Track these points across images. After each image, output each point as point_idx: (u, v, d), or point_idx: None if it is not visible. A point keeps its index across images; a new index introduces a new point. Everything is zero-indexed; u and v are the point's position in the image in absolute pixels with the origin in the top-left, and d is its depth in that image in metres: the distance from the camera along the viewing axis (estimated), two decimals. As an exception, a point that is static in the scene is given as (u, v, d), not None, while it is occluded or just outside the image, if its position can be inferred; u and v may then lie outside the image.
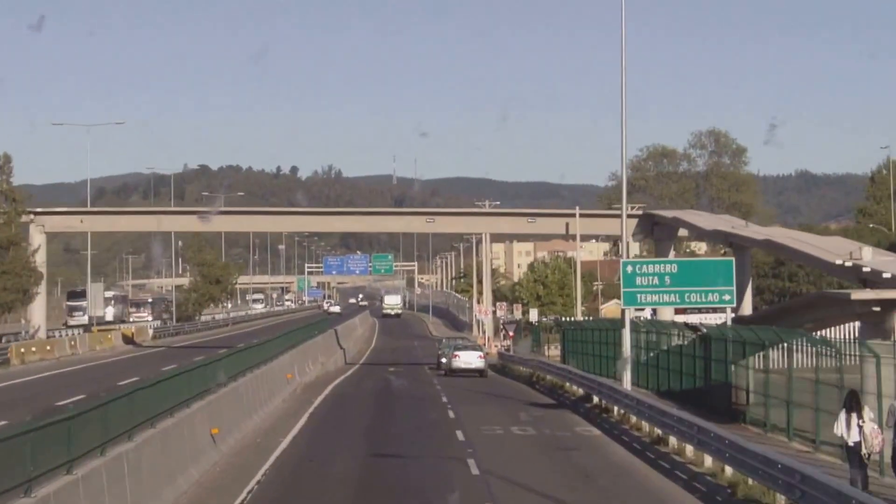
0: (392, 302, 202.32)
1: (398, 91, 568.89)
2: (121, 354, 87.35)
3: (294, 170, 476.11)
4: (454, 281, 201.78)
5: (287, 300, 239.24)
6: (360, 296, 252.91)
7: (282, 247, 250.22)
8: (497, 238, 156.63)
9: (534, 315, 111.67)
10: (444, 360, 79.54)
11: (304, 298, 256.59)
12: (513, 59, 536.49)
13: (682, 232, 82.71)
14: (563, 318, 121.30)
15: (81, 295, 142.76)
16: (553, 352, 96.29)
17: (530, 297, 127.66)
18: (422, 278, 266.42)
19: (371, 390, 62.58)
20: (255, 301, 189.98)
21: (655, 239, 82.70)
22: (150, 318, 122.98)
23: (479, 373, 75.78)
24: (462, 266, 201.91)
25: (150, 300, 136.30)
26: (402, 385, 67.01)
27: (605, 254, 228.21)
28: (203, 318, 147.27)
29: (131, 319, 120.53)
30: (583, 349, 73.18)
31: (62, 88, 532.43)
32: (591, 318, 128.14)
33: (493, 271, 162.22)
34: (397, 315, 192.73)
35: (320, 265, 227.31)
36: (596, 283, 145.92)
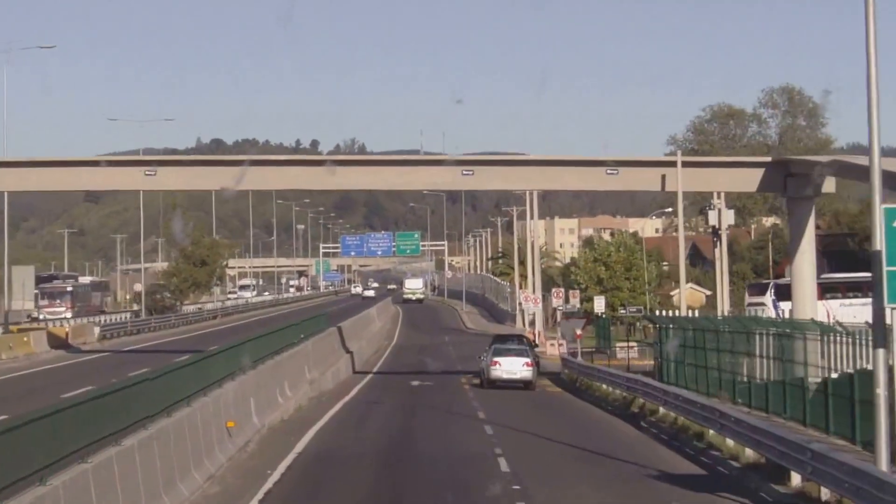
0: (413, 286, 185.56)
1: (426, 60, 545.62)
2: (27, 367, 62.96)
3: (315, 144, 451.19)
4: (490, 262, 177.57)
5: (291, 286, 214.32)
6: (371, 280, 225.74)
7: (301, 226, 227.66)
8: (541, 212, 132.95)
9: (600, 304, 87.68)
10: (482, 365, 60.80)
11: (320, 283, 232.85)
12: (549, 25, 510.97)
13: (829, 187, 58.48)
14: (653, 311, 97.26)
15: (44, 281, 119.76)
16: (623, 354, 72.80)
17: (589, 280, 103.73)
18: (452, 260, 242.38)
19: (377, 441, 38.34)
20: (242, 287, 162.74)
21: (788, 196, 58.60)
22: (67, 315, 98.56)
23: (524, 384, 58.71)
24: (500, 244, 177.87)
25: (69, 288, 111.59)
26: (429, 424, 42.99)
27: (657, 230, 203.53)
28: (191, 309, 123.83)
29: (41, 316, 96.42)
30: (704, 360, 49.24)
31: (67, 57, 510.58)
32: (663, 309, 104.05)
33: (540, 249, 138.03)
34: (419, 300, 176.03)
35: (338, 245, 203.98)
36: (665, 263, 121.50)
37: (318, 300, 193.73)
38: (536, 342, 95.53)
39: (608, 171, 57.07)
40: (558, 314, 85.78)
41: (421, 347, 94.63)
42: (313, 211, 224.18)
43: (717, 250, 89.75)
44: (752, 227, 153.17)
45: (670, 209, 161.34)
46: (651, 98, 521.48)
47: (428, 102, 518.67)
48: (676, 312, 77.89)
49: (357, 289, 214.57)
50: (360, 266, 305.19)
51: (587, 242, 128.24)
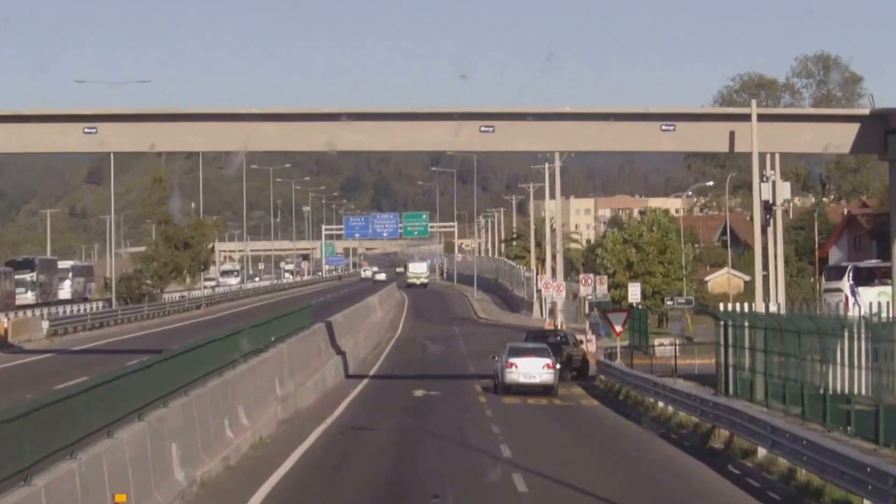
0: (417, 270, 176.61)
1: (435, 38, 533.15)
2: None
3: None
4: (503, 244, 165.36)
5: (287, 271, 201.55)
6: (374, 269, 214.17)
7: (306, 208, 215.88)
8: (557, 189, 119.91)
9: (634, 292, 75.56)
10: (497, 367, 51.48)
11: (323, 267, 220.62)
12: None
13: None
14: (699, 300, 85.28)
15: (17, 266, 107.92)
16: (663, 352, 61.10)
17: (618, 264, 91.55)
18: (462, 243, 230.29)
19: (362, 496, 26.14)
20: (225, 273, 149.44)
21: (890, 159, 46.48)
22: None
23: (544, 389, 49.90)
24: (514, 225, 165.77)
25: (28, 276, 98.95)
26: (433, 469, 30.64)
27: (677, 211, 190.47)
28: (175, 297, 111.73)
29: None
30: (797, 372, 37.11)
31: (65, 39, 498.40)
32: (692, 297, 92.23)
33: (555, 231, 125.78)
34: (423, 285, 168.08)
35: (341, 227, 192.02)
36: (697, 244, 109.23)
37: (319, 286, 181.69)
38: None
39: (663, 127, 44.88)
40: (585, 304, 73.74)
41: (428, 341, 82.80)
42: (317, 191, 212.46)
43: (770, 230, 77.85)
44: (789, 205, 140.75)
45: (688, 193, 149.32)
46: (675, 69, 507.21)
47: (437, 79, 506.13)
48: (728, 304, 65.86)
49: (367, 272, 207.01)
50: (367, 249, 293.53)
51: (614, 221, 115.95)
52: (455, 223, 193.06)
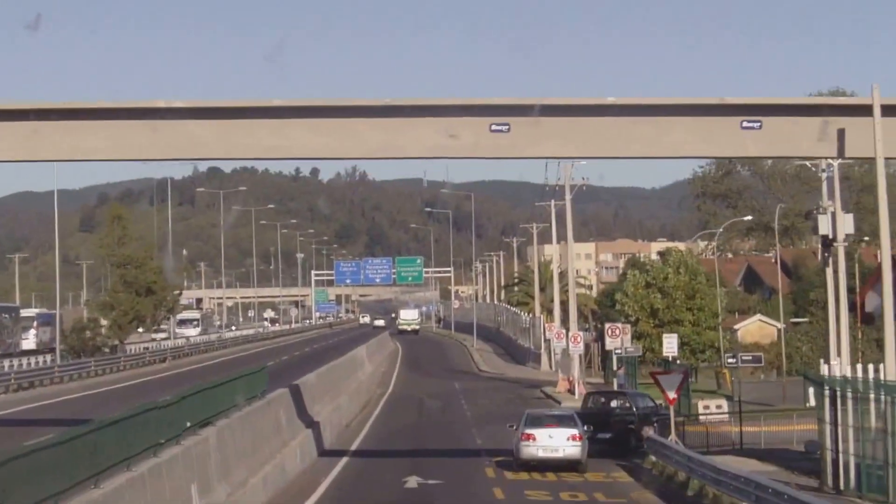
0: (408, 317, 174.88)
1: (426, 87, 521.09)
2: None
3: (315, 172, 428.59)
4: (504, 290, 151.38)
5: (265, 319, 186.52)
6: (363, 314, 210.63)
7: (300, 255, 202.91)
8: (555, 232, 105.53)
9: (670, 345, 61.79)
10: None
11: (313, 314, 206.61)
12: (541, 48, 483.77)
13: None
14: (725, 350, 71.95)
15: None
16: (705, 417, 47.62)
17: (641, 311, 77.93)
18: (458, 290, 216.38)
19: None
20: (182, 323, 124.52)
21: None
22: None
23: (570, 465, 39.93)
24: (515, 269, 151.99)
25: None
26: None
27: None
28: (140, 347, 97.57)
29: None
30: None
31: (61, 86, 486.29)
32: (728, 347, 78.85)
33: (563, 275, 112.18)
34: (414, 331, 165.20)
35: (331, 273, 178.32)
36: (724, 288, 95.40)
37: (307, 334, 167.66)
38: (573, 391, 69.96)
39: (744, 124, 31.36)
40: (613, 358, 60.03)
41: (424, 401, 69.12)
42: (306, 234, 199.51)
43: (828, 269, 64.35)
44: (807, 246, 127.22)
45: (695, 237, 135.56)
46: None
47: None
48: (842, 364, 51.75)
49: (365, 318, 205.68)
50: (360, 296, 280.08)
51: (632, 263, 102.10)
52: (451, 268, 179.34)
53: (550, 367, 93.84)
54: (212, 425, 28.74)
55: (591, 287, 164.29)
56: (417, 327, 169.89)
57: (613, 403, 45.83)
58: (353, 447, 47.74)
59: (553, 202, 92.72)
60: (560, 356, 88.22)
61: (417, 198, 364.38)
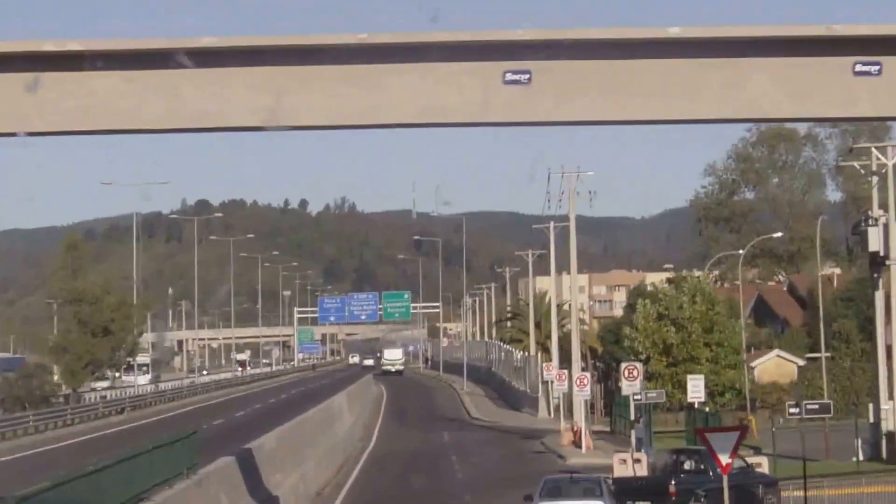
0: (392, 357, 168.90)
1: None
2: None
3: (304, 204, 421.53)
4: (495, 326, 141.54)
5: (241, 360, 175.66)
6: (355, 357, 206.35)
7: (287, 292, 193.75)
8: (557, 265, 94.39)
9: (696, 388, 52.09)
10: None
11: (296, 356, 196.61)
12: None
13: None
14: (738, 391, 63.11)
15: None
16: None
17: (653, 348, 68.29)
18: (447, 327, 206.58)
19: None
20: (131, 369, 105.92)
21: None
22: None
23: None
24: (508, 303, 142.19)
25: None
26: None
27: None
28: (107, 394, 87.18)
29: None
30: None
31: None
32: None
33: (560, 308, 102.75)
34: (399, 372, 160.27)
35: (315, 310, 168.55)
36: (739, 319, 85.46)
37: (287, 377, 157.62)
38: (580, 443, 60.25)
39: (858, 67, 21.42)
40: (631, 404, 50.35)
41: (408, 460, 59.29)
42: (287, 269, 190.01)
43: (878, 293, 55.09)
44: (826, 274, 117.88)
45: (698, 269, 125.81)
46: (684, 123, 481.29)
47: (419, 161, 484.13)
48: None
49: (355, 359, 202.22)
50: (346, 335, 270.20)
51: (639, 293, 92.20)
52: (440, 304, 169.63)
53: (549, 413, 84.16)
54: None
55: (586, 322, 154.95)
56: (402, 368, 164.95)
57: (687, 465, 35.64)
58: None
59: (552, 224, 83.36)
60: (559, 400, 78.83)
61: (406, 230, 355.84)
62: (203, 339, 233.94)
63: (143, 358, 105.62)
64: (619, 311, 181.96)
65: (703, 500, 32.01)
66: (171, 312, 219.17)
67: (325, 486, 48.69)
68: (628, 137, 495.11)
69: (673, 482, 35.06)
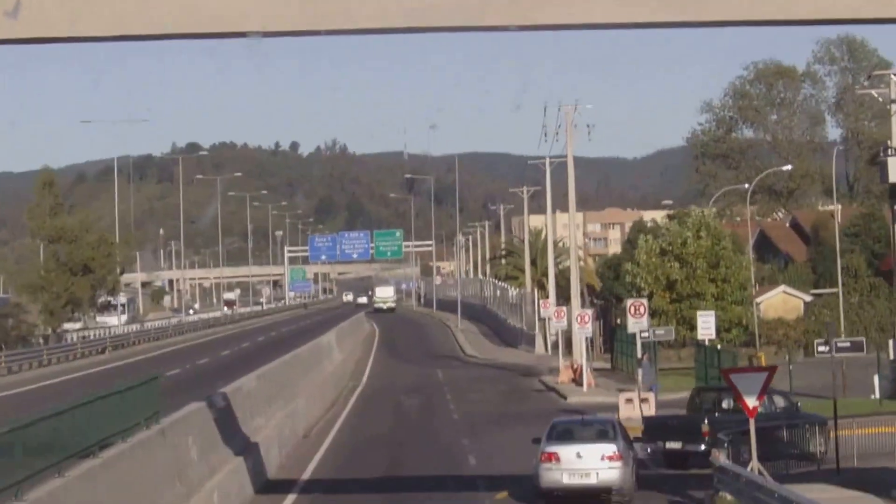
0: (384, 294, 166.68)
1: (408, 57, 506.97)
2: None
3: (294, 146, 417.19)
4: (490, 264, 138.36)
5: (228, 299, 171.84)
6: (349, 295, 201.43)
7: (279, 233, 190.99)
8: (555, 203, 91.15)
9: (707, 325, 49.02)
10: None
11: (287, 294, 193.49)
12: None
13: None
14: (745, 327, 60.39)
15: None
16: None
17: (655, 284, 65.16)
18: (440, 266, 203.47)
19: None
20: (104, 309, 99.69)
21: None
22: None
23: (603, 493, 28.37)
24: (503, 240, 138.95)
25: None
26: None
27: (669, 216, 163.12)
28: (80, 332, 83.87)
29: None
30: None
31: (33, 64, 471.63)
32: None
33: (556, 245, 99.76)
34: (391, 309, 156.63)
35: (305, 248, 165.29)
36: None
37: (279, 316, 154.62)
38: (581, 381, 57.35)
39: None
40: (637, 342, 47.20)
41: (401, 398, 56.37)
42: (277, 208, 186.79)
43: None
44: (830, 209, 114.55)
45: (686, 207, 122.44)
46: (680, 59, 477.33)
47: (411, 102, 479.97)
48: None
49: (349, 297, 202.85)
50: (339, 274, 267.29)
51: (638, 228, 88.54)
52: (433, 242, 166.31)
53: (546, 350, 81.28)
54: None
55: (582, 259, 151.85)
56: (393, 305, 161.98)
57: (725, 404, 32.69)
58: (306, 474, 35.02)
59: (548, 159, 80.00)
60: (556, 337, 75.87)
61: (398, 171, 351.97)
62: (194, 279, 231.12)
63: (120, 298, 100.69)
64: (613, 249, 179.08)
65: (726, 445, 28.87)
66: (162, 253, 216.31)
67: (313, 425, 45.85)
68: (621, 75, 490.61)
69: (706, 421, 32.13)
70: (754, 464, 28.00)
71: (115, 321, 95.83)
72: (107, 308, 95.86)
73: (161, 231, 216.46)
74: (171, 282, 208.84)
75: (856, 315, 76.64)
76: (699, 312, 51.51)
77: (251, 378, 37.37)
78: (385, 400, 55.66)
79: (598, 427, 29.86)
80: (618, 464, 28.16)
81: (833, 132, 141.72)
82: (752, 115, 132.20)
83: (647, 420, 35.10)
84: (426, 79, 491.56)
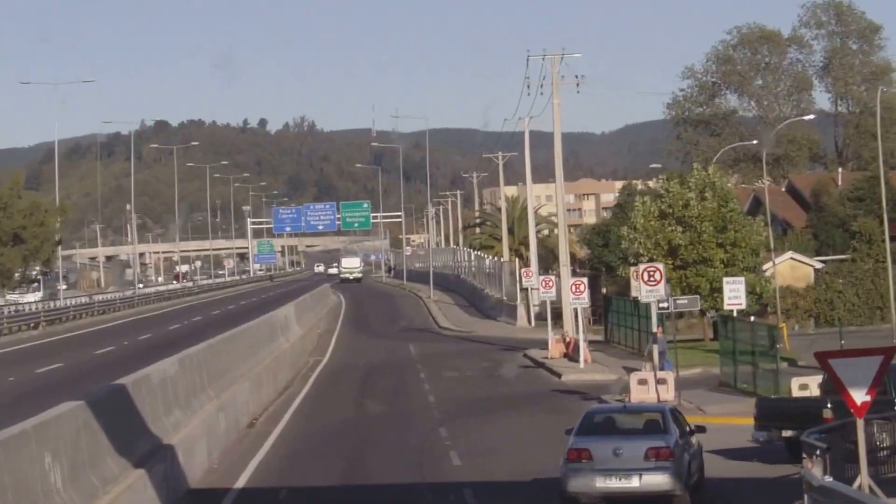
0: (350, 265, 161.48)
1: (376, 34, 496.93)
2: None
3: (263, 123, 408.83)
4: (463, 234, 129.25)
5: (178, 272, 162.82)
6: (320, 266, 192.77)
7: (247, 207, 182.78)
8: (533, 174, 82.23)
9: (735, 294, 40.43)
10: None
11: (252, 266, 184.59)
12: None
13: None
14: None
15: None
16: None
17: (656, 250, 56.43)
18: (410, 238, 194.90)
19: None
20: (20, 288, 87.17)
21: None
22: None
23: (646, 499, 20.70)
24: (477, 208, 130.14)
25: None
26: None
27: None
28: (14, 306, 74.49)
29: None
30: None
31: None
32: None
33: (535, 212, 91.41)
34: (357, 280, 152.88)
35: (269, 220, 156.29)
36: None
37: (242, 287, 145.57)
38: (576, 357, 48.86)
39: None
40: (651, 312, 38.50)
41: (367, 379, 47.68)
42: (239, 181, 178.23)
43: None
44: (831, 174, 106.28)
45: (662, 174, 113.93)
46: (661, 22, 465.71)
47: (378, 79, 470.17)
48: None
49: (320, 268, 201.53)
50: (307, 246, 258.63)
51: (628, 192, 79.56)
52: (402, 213, 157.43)
53: (529, 322, 72.64)
54: None
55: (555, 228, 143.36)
56: (360, 275, 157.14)
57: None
58: (240, 482, 26.21)
59: (528, 118, 71.41)
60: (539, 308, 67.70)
61: (366, 148, 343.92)
62: (157, 252, 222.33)
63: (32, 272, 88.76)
64: (588, 220, 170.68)
65: (822, 454, 20.14)
66: (128, 227, 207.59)
67: (262, 411, 37.14)
68: (588, 53, 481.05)
69: (829, 405, 24.96)
70: (864, 479, 19.27)
71: (31, 297, 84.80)
72: (28, 282, 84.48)
73: (128, 206, 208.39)
74: (140, 255, 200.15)
75: (871, 282, 68.38)
76: (726, 280, 43.03)
77: (170, 363, 28.20)
78: (349, 380, 46.91)
79: (645, 416, 22.86)
80: (667, 463, 21.36)
81: (821, 97, 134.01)
82: (737, 80, 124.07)
83: (759, 403, 28.16)
84: (394, 54, 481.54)
